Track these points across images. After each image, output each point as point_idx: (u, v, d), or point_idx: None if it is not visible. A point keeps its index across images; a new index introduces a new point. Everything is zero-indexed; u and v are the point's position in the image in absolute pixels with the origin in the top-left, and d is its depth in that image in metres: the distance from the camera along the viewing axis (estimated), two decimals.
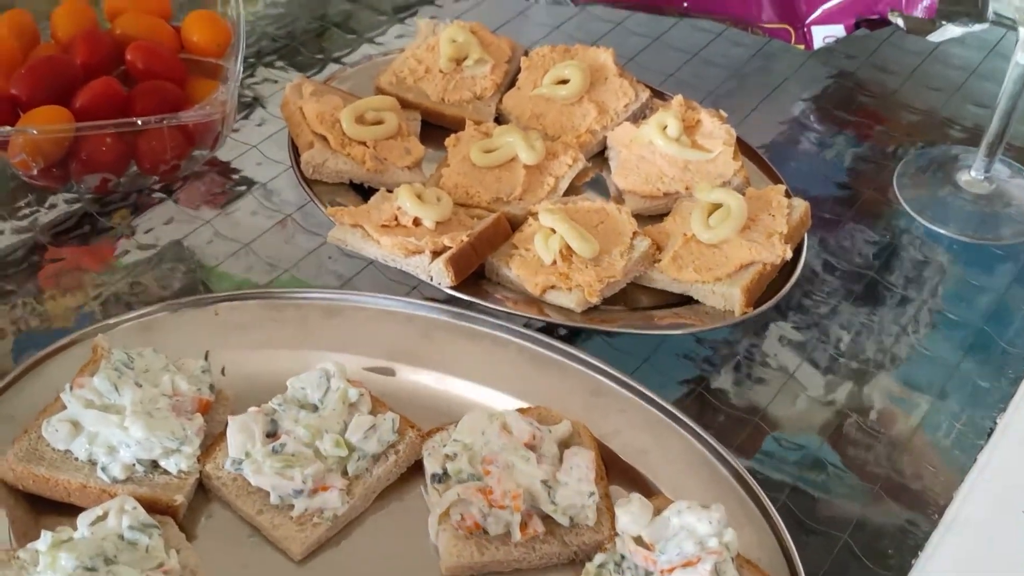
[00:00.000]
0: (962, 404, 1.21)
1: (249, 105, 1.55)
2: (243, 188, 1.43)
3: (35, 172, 1.34)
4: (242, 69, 1.40)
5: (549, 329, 1.23)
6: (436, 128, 1.48)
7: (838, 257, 1.39)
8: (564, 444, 1.06)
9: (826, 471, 1.14)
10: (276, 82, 1.60)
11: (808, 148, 1.56)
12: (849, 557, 1.06)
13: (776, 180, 1.40)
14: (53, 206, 1.37)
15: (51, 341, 1.13)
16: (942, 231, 1.41)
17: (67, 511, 1.01)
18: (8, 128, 1.28)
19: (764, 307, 1.23)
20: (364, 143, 1.38)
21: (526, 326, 1.19)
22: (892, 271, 1.37)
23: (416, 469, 1.08)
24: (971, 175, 1.45)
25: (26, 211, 1.36)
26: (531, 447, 1.03)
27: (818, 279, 1.36)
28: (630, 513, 0.98)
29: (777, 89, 1.65)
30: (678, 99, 1.45)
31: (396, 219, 1.27)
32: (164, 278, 1.30)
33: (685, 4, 1.60)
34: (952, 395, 1.22)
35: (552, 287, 1.22)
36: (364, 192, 1.37)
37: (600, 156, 1.48)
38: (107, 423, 1.03)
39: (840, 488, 1.12)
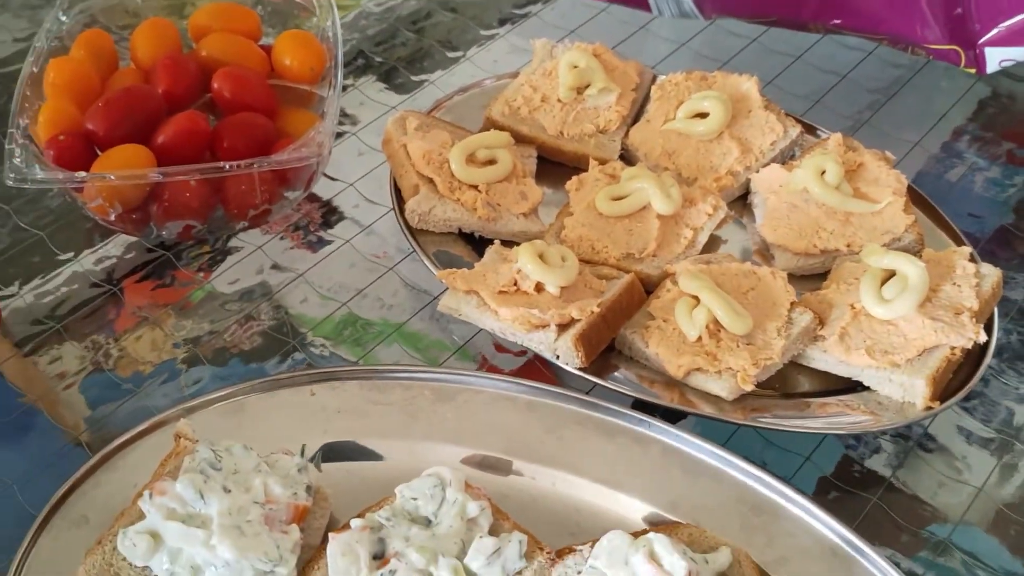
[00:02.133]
0: None
1: (341, 133, 1.39)
2: (338, 234, 1.27)
3: (112, 217, 1.20)
4: (339, 100, 1.24)
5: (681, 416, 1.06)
6: (554, 165, 1.31)
7: (1007, 306, 1.19)
8: None
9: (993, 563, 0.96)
10: (368, 103, 1.44)
11: (977, 187, 1.35)
12: None
13: (955, 237, 1.20)
14: (131, 251, 1.24)
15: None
16: None
17: None
18: (84, 174, 1.14)
19: (952, 401, 1.04)
20: (476, 187, 1.21)
21: (665, 415, 1.02)
22: None
23: None
24: None
25: (101, 254, 1.23)
26: None
27: (1009, 356, 1.16)
28: None
29: (943, 118, 1.44)
30: (836, 138, 1.26)
31: (516, 284, 1.10)
32: (250, 334, 1.16)
33: (837, 21, 1.40)
34: None
35: (698, 369, 1.05)
36: (473, 240, 1.21)
37: (740, 200, 1.29)
38: (191, 540, 0.89)
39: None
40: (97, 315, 1.17)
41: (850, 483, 1.04)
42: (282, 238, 1.26)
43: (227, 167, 1.14)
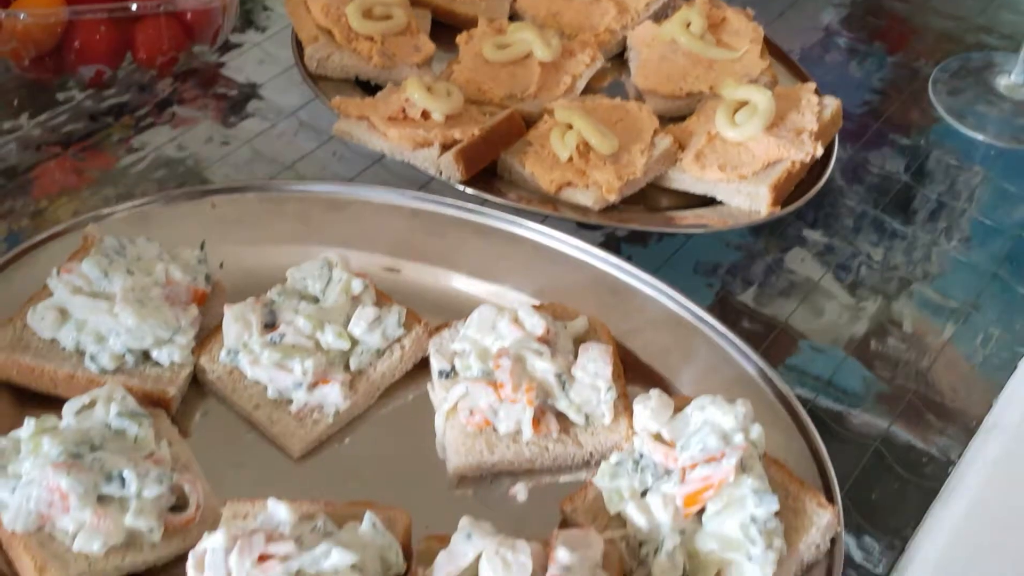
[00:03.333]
0: (998, 313, 1.15)
1: (250, 11, 1.46)
2: (246, 89, 1.35)
3: (27, 63, 1.27)
4: None
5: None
6: (447, 27, 1.40)
7: (870, 164, 1.31)
8: (580, 341, 1.00)
9: (854, 381, 1.08)
10: None
11: (838, 55, 1.48)
12: (880, 465, 1.00)
13: (805, 81, 1.32)
14: (55, 114, 1.29)
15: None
16: (980, 137, 1.34)
17: (53, 405, 0.94)
18: None
19: (793, 207, 1.16)
20: (371, 38, 1.31)
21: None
22: (926, 178, 1.30)
23: (422, 368, 1.03)
24: (1011, 80, 1.38)
25: (26, 117, 1.29)
26: (545, 342, 0.97)
27: (848, 187, 1.29)
28: (649, 409, 0.92)
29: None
30: None
31: (404, 112, 1.20)
32: (163, 180, 1.23)
33: None
34: (987, 305, 1.16)
35: (568, 184, 1.16)
36: (371, 91, 1.30)
37: (619, 58, 1.40)
38: (96, 310, 0.97)
39: (869, 398, 1.06)
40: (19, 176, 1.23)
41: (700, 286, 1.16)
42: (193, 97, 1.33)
43: (134, 7, 1.22)
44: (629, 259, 1.09)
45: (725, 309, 1.14)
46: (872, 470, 0.99)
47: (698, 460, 0.87)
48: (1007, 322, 1.14)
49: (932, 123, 1.37)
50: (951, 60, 1.44)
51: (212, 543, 0.80)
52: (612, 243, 1.18)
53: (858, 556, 0.93)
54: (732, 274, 1.17)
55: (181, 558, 0.84)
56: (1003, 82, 1.39)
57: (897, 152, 1.33)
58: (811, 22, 1.54)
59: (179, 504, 0.88)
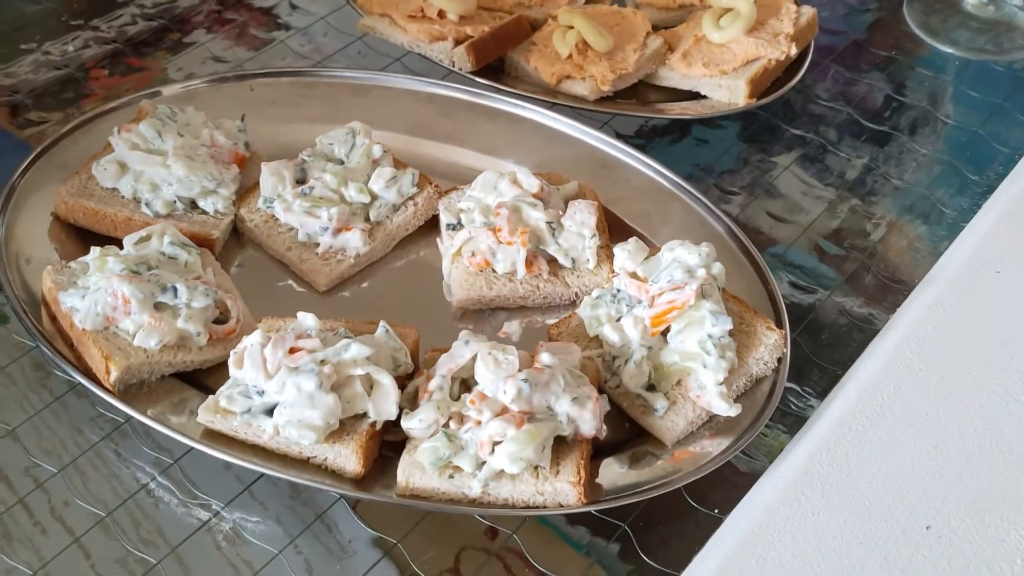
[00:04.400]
0: (952, 196, 1.28)
1: None
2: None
3: None
4: None
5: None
6: None
7: (847, 72, 1.44)
8: (570, 200, 1.14)
9: (816, 253, 1.21)
10: None
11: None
12: (833, 313, 1.14)
13: None
14: (113, 17, 1.44)
15: None
16: (948, 50, 1.47)
17: (113, 246, 1.09)
18: None
19: (767, 99, 1.29)
20: None
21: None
22: (896, 84, 1.43)
23: (434, 226, 1.17)
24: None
25: (86, 19, 1.44)
26: (539, 198, 1.11)
27: (826, 91, 1.41)
28: (626, 251, 1.06)
29: None
30: None
31: (422, 11, 1.34)
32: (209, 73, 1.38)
33: None
34: (941, 186, 1.29)
35: (568, 77, 1.30)
36: None
37: None
38: (151, 163, 1.12)
39: (826, 266, 1.19)
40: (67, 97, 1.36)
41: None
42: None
43: None
44: (617, 136, 1.23)
45: (711, 197, 1.27)
46: (824, 316, 1.13)
47: (665, 289, 1.01)
48: (955, 204, 1.27)
49: (906, 38, 1.50)
50: None
51: (250, 340, 0.95)
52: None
53: (807, 379, 1.06)
54: (722, 169, 1.30)
55: (223, 364, 0.99)
56: (971, 1, 1.51)
57: (872, 63, 1.46)
58: None
59: (222, 319, 1.03)
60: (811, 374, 1.07)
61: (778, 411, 1.01)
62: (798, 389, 1.06)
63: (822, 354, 1.09)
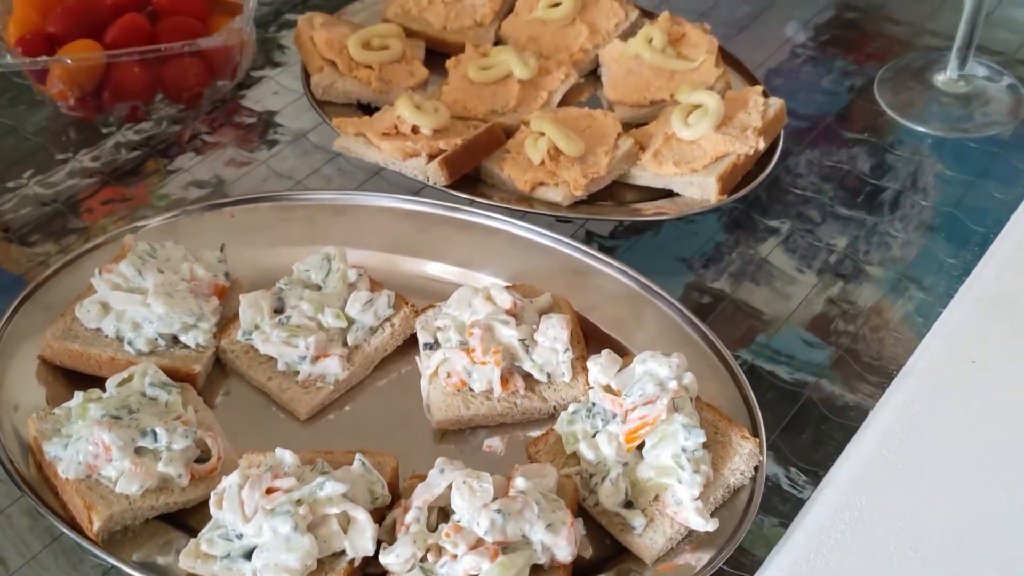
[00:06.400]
0: (929, 280, 1.28)
1: (268, 50, 1.65)
2: (263, 116, 1.53)
3: (72, 102, 1.46)
4: (256, 3, 1.51)
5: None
6: (440, 55, 1.57)
7: (819, 157, 1.46)
8: (544, 314, 1.15)
9: (793, 343, 1.21)
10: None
11: (797, 62, 1.63)
12: (810, 411, 1.14)
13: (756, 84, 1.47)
14: (98, 147, 1.49)
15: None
16: (920, 128, 1.48)
17: (99, 385, 1.11)
18: (45, 58, 1.41)
19: (739, 194, 1.31)
20: (370, 67, 1.48)
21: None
22: (871, 166, 1.44)
23: (412, 344, 1.19)
24: (947, 75, 1.52)
25: (74, 151, 1.48)
26: (512, 314, 1.12)
27: (802, 177, 1.43)
28: (599, 364, 1.06)
29: (769, 9, 1.72)
30: (664, 15, 1.53)
31: (396, 128, 1.37)
32: (193, 198, 1.41)
33: None
34: (920, 272, 1.29)
35: (541, 183, 1.32)
36: (372, 113, 1.47)
37: (594, 75, 1.56)
38: (132, 302, 1.15)
39: (807, 356, 1.20)
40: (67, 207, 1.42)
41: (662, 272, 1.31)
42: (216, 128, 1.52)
43: (162, 48, 1.41)
44: (588, 243, 1.24)
45: (690, 291, 1.28)
46: (802, 416, 1.13)
47: (638, 403, 1.01)
48: (931, 287, 1.27)
49: (878, 118, 1.51)
50: (896, 61, 1.58)
51: (229, 481, 0.97)
52: (590, 240, 1.33)
53: (785, 484, 1.06)
54: (700, 263, 1.32)
55: (206, 501, 1.00)
56: (940, 78, 1.53)
57: (846, 146, 1.47)
58: (774, 34, 1.68)
59: (203, 457, 1.05)
60: (791, 475, 1.07)
61: (766, 499, 1.01)
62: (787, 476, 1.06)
63: (803, 455, 1.09)
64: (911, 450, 1.01)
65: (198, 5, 1.55)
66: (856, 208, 1.38)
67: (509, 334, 1.10)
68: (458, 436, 1.11)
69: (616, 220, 1.32)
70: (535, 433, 1.11)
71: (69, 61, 1.41)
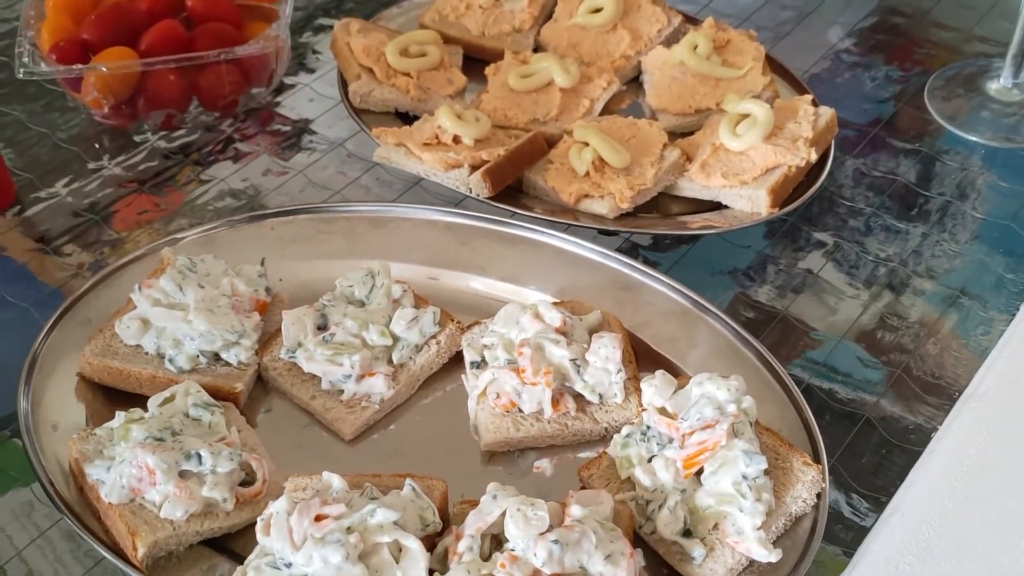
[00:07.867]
0: (987, 296, 1.24)
1: (302, 56, 1.62)
2: (299, 125, 1.51)
3: (106, 110, 1.44)
4: (292, 10, 1.48)
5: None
6: (478, 61, 1.54)
7: (869, 167, 1.42)
8: (594, 332, 1.12)
9: (850, 362, 1.18)
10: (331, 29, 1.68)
11: (843, 70, 1.59)
12: (870, 433, 1.10)
13: (804, 93, 1.44)
14: (132, 155, 1.46)
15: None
16: (972, 138, 1.44)
17: (139, 403, 1.09)
18: (80, 66, 1.38)
19: (791, 207, 1.27)
20: (408, 74, 1.45)
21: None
22: (921, 178, 1.40)
23: (457, 361, 1.16)
24: (1000, 83, 1.48)
25: (108, 159, 1.46)
26: (562, 333, 1.09)
27: (850, 187, 1.39)
28: (654, 386, 1.03)
29: (812, 14, 1.68)
30: (708, 21, 1.50)
31: (437, 138, 1.34)
32: (228, 208, 1.39)
33: None
34: (977, 288, 1.25)
35: (586, 196, 1.29)
36: (410, 122, 1.44)
37: (636, 82, 1.53)
38: (173, 319, 1.12)
39: (864, 375, 1.17)
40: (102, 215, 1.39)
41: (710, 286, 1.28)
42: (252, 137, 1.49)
43: (199, 56, 1.39)
44: (637, 258, 1.21)
45: (737, 304, 1.25)
46: (862, 438, 1.10)
47: (696, 428, 0.98)
48: (992, 304, 1.23)
49: (928, 127, 1.47)
50: (946, 68, 1.54)
51: (276, 507, 0.94)
52: (633, 251, 1.30)
53: (847, 511, 1.03)
54: (746, 275, 1.28)
55: (251, 525, 0.97)
56: (993, 86, 1.49)
57: (895, 155, 1.44)
58: (818, 40, 1.65)
59: (248, 479, 1.02)
60: (853, 501, 1.04)
61: (826, 527, 0.98)
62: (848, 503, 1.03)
63: (864, 480, 1.05)
64: (979, 477, 0.98)
65: (233, 11, 1.52)
66: (907, 220, 1.35)
67: (560, 354, 1.07)
68: (507, 457, 1.08)
69: (665, 234, 1.29)
70: (585, 454, 1.08)
71: (104, 69, 1.39)
